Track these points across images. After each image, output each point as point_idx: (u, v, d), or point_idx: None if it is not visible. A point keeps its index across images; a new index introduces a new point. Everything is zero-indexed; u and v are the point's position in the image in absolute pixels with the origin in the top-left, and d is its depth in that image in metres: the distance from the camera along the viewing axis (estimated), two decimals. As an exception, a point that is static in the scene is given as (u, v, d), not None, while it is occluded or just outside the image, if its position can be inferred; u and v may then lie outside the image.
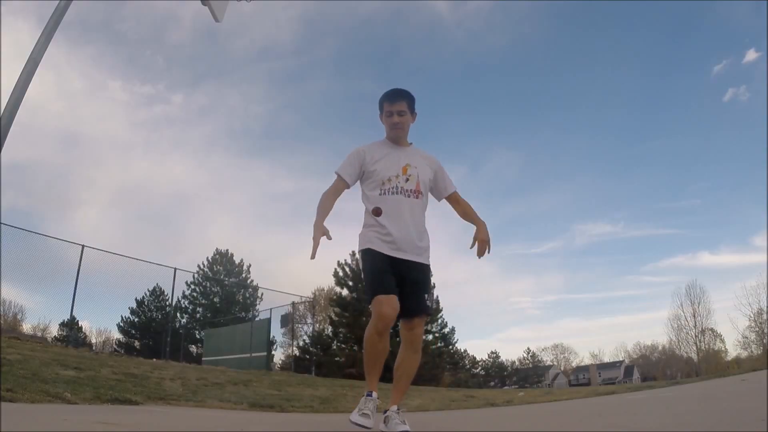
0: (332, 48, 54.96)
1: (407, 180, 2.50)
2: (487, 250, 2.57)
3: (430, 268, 2.57)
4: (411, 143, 2.66)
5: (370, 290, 2.41)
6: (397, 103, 2.55)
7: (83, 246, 11.29)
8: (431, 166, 2.63)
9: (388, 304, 2.31)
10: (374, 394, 2.41)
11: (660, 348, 50.97)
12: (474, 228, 2.61)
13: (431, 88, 54.56)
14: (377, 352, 2.41)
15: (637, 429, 2.36)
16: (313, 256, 2.49)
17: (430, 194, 2.64)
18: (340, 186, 2.59)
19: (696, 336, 38.52)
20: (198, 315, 27.85)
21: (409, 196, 2.49)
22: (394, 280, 2.40)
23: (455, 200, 2.71)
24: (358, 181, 2.63)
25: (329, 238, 2.50)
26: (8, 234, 10.30)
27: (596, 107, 54.90)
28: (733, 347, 37.82)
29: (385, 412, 2.46)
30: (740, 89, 49.67)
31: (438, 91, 55.52)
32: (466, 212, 2.70)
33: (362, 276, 2.58)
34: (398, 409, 2.43)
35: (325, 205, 2.56)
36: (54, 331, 22.75)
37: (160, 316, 27.10)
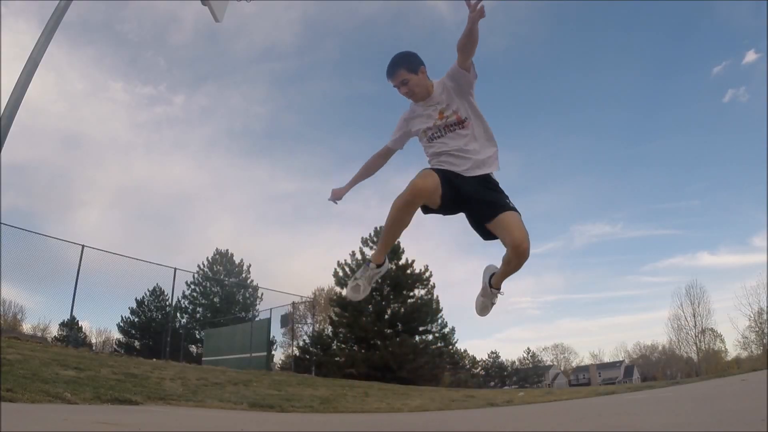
0: (333, 49, 54.95)
1: (446, 119, 2.51)
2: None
3: (492, 177, 2.52)
4: (432, 84, 2.57)
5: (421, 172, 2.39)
6: (395, 75, 2.53)
7: (83, 246, 11.30)
8: (446, 86, 2.53)
9: (429, 177, 2.26)
10: (372, 265, 2.42)
11: (660, 348, 51.01)
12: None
13: (431, 88, 54.49)
14: (402, 224, 2.31)
15: (637, 429, 2.36)
16: (330, 198, 2.80)
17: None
18: (383, 149, 2.74)
19: (696, 336, 38.52)
20: (198, 315, 27.85)
21: (454, 130, 2.50)
22: (453, 186, 2.35)
23: (460, 52, 2.47)
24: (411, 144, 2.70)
25: (335, 200, 2.76)
26: (8, 234, 10.31)
27: (596, 108, 54.92)
28: (733, 347, 37.85)
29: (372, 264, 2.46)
30: (740, 90, 49.65)
31: (438, 91, 55.43)
32: (463, 40, 2.45)
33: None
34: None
35: (366, 164, 2.76)
36: (54, 331, 22.75)
37: (160, 316, 27.09)
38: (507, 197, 2.48)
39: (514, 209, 2.40)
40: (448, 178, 2.37)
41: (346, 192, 2.85)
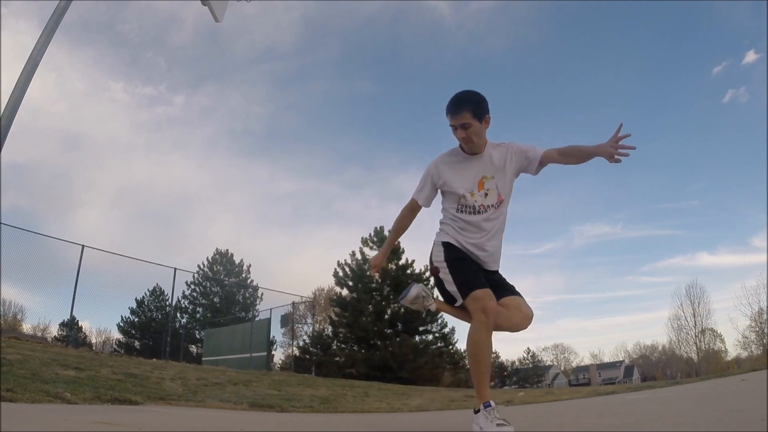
0: (333, 49, 55.00)
1: (486, 195, 2.35)
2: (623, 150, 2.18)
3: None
4: (486, 143, 2.39)
5: (463, 286, 2.26)
6: (458, 116, 2.28)
7: (83, 246, 11.29)
8: (508, 160, 2.37)
9: (491, 298, 2.18)
10: (492, 404, 2.16)
11: (660, 348, 51.06)
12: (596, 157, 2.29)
13: (432, 89, 54.53)
14: (488, 351, 2.22)
15: (637, 429, 2.36)
16: (371, 272, 2.73)
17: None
18: (415, 206, 2.53)
19: (696, 336, 38.55)
20: (198, 315, 27.86)
21: (488, 211, 2.36)
22: (481, 275, 2.28)
23: (554, 155, 2.32)
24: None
25: (378, 273, 2.72)
26: (8, 234, 10.30)
27: (596, 108, 54.84)
28: (733, 347, 37.86)
29: (477, 411, 2.21)
30: (740, 90, 49.68)
31: (439, 92, 55.59)
32: (576, 155, 2.30)
33: (439, 272, 2.39)
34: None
35: (397, 226, 2.60)
36: (54, 331, 22.81)
37: (160, 316, 27.11)
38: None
39: (518, 293, 2.43)
40: (481, 269, 2.37)
41: (384, 258, 2.74)
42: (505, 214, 2.44)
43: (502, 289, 2.39)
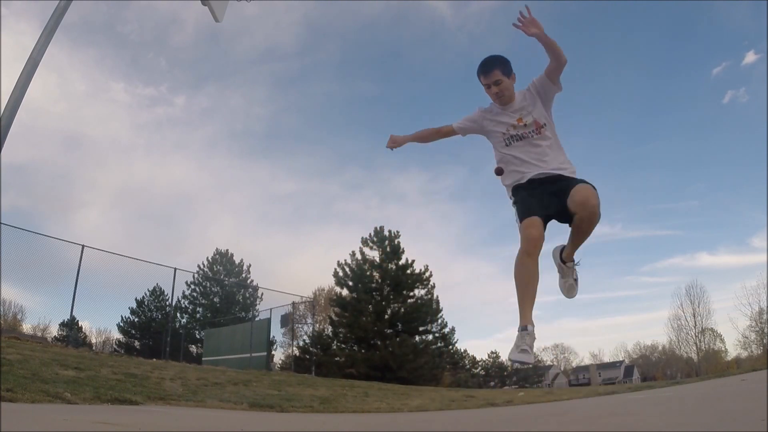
0: (334, 50, 54.97)
1: (525, 125, 2.62)
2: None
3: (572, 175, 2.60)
4: (515, 94, 2.68)
5: (520, 217, 2.49)
6: (491, 74, 2.59)
7: (83, 246, 11.28)
8: (532, 95, 2.66)
9: (532, 225, 2.37)
10: (530, 327, 2.29)
11: (660, 348, 51.06)
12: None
13: (432, 90, 54.62)
14: (529, 274, 2.35)
15: (637, 429, 2.36)
16: (388, 144, 2.89)
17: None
18: (446, 128, 2.84)
19: (696, 336, 38.52)
20: (198, 315, 27.84)
21: (531, 137, 2.60)
22: (537, 201, 2.48)
23: (548, 66, 2.63)
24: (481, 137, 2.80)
25: (392, 146, 2.86)
26: (8, 234, 10.29)
27: (595, 109, 54.82)
28: (733, 347, 37.83)
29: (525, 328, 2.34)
30: (739, 91, 49.63)
31: (439, 93, 55.49)
32: (546, 46, 2.59)
33: (515, 213, 2.60)
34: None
35: (424, 132, 2.90)
36: (54, 331, 22.80)
37: (160, 316, 27.10)
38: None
39: (586, 182, 2.48)
40: (536, 197, 2.49)
41: (404, 143, 2.92)
42: (554, 137, 2.65)
43: (567, 188, 2.45)
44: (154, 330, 25.81)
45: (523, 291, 2.37)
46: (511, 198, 2.68)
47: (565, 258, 2.78)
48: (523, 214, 2.47)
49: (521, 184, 2.59)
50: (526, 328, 2.27)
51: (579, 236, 2.57)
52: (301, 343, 24.96)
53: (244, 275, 30.69)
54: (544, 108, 2.66)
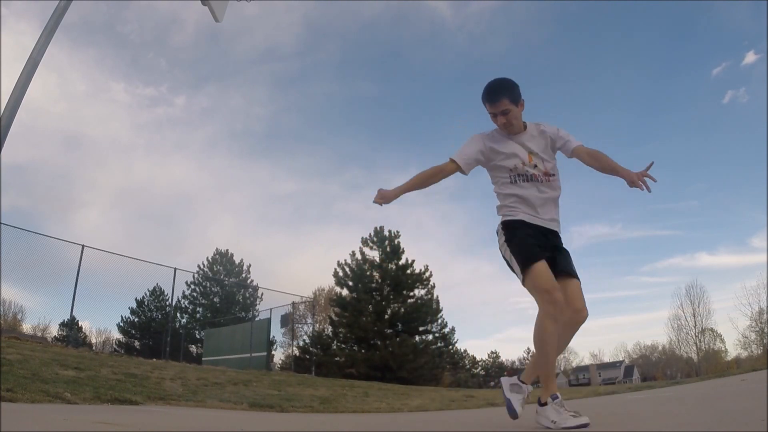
0: (334, 50, 54.98)
1: (535, 167, 2.44)
2: (646, 182, 2.16)
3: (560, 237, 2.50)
4: (525, 124, 2.51)
5: (523, 261, 2.28)
6: (497, 104, 2.40)
7: (83, 246, 11.29)
8: (549, 138, 2.49)
9: (553, 284, 2.19)
10: (559, 396, 2.20)
11: (660, 348, 51.05)
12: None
13: (432, 90, 54.61)
14: (555, 341, 2.22)
15: (637, 429, 2.36)
16: (376, 199, 2.49)
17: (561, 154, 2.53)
18: (449, 167, 2.48)
19: (696, 336, 38.51)
20: (198, 315, 27.85)
21: (539, 181, 2.43)
22: (540, 245, 2.31)
23: (584, 152, 2.41)
24: (483, 171, 2.58)
25: (380, 201, 2.48)
26: (8, 234, 10.29)
27: (595, 109, 54.84)
28: (733, 347, 37.82)
29: (542, 403, 2.26)
30: (739, 91, 49.57)
31: (439, 93, 55.54)
32: (601, 163, 2.34)
33: (505, 253, 2.43)
34: (557, 398, 2.23)
35: (422, 175, 2.50)
36: (54, 331, 22.83)
37: (160, 316, 27.12)
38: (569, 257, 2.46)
39: (578, 278, 2.39)
40: (540, 243, 2.34)
41: (395, 198, 2.49)
42: (558, 189, 2.49)
43: (564, 263, 2.37)
44: (154, 330, 25.83)
45: (552, 360, 2.28)
46: (500, 234, 2.45)
47: (526, 379, 2.45)
48: (528, 258, 2.24)
49: (519, 220, 2.39)
50: (557, 397, 2.19)
51: (561, 341, 2.33)
52: (301, 343, 25.00)
53: (244, 275, 30.71)
54: (553, 157, 2.50)
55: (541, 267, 2.23)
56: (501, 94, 2.40)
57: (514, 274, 2.38)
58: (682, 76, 52.08)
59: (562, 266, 2.36)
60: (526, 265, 2.25)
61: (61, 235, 23.18)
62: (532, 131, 2.50)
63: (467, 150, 2.49)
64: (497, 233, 2.52)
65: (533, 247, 2.30)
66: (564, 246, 2.48)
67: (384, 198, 2.49)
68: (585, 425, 2.07)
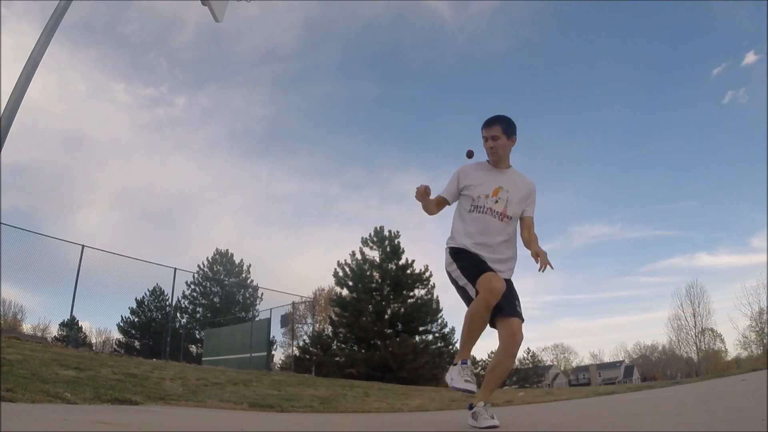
0: (335, 51, 55.00)
1: (496, 202, 2.63)
2: (546, 264, 2.46)
3: (512, 284, 2.65)
4: (510, 166, 2.75)
5: (471, 276, 2.49)
6: (491, 128, 2.65)
7: (83, 246, 11.29)
8: (526, 190, 2.71)
9: (496, 279, 2.39)
10: (468, 362, 2.48)
11: (660, 348, 51.06)
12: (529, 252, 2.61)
13: (432, 91, 54.59)
14: (482, 325, 2.45)
15: (637, 429, 2.36)
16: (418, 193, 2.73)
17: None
18: (441, 200, 2.79)
19: (696, 336, 38.55)
20: (198, 315, 27.84)
21: (495, 217, 2.62)
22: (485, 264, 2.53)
23: (527, 225, 2.70)
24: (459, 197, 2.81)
25: (424, 191, 2.71)
26: (8, 234, 10.29)
27: (595, 110, 54.90)
28: (733, 347, 37.85)
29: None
30: (739, 92, 49.71)
31: (439, 94, 55.56)
32: (530, 239, 2.66)
33: (454, 273, 2.63)
34: (485, 405, 2.50)
35: (428, 206, 2.79)
36: (54, 331, 22.83)
37: (160, 316, 27.11)
38: (516, 293, 2.62)
39: (522, 320, 2.55)
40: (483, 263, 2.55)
41: (429, 193, 2.76)
42: (513, 233, 2.68)
43: (508, 301, 2.53)
44: (154, 330, 25.83)
45: (471, 337, 2.48)
46: (450, 261, 2.62)
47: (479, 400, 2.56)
48: (481, 270, 2.46)
49: (467, 250, 2.59)
50: (466, 362, 2.46)
51: (501, 371, 2.57)
52: (301, 343, 24.98)
53: (244, 275, 30.69)
54: (518, 208, 2.68)
55: (489, 273, 2.45)
56: (497, 122, 2.66)
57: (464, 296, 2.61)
58: (682, 76, 52.18)
59: (509, 302, 2.53)
60: (475, 276, 2.47)
61: (61, 235, 23.15)
62: (515, 176, 2.72)
63: (449, 185, 2.80)
64: (448, 252, 2.72)
65: (481, 263, 2.54)
66: (512, 286, 2.62)
67: (423, 191, 2.73)
68: (469, 392, 2.38)
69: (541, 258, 2.46)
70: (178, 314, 26.81)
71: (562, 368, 58.30)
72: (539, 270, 2.45)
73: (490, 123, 2.67)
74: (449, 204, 2.80)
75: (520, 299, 2.63)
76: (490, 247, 2.59)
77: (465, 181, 2.71)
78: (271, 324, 16.05)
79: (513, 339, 2.51)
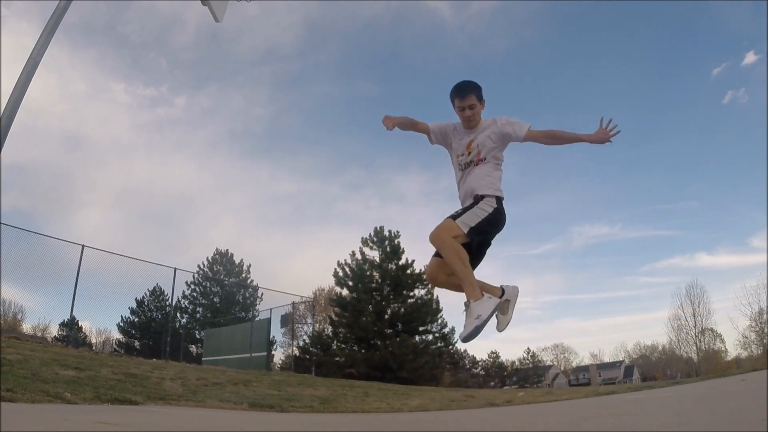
0: (335, 51, 54.94)
1: (470, 153, 2.78)
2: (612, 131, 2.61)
3: (478, 197, 2.69)
4: (481, 120, 2.82)
5: (479, 232, 2.63)
6: (467, 98, 2.73)
7: (83, 246, 11.29)
8: (492, 130, 2.77)
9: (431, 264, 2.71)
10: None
11: (660, 348, 51.05)
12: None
13: (433, 91, 54.52)
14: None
15: (637, 429, 2.36)
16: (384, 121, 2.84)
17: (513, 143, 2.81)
18: (422, 126, 2.92)
19: (696, 336, 38.51)
20: (198, 315, 27.84)
21: (469, 167, 2.77)
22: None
23: (538, 136, 2.75)
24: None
25: (389, 124, 2.81)
26: (8, 234, 10.29)
27: (595, 109, 54.73)
28: (733, 347, 37.82)
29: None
30: (739, 92, 49.65)
31: (440, 94, 55.45)
32: (561, 140, 2.75)
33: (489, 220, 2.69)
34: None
35: (405, 118, 2.91)
36: (54, 331, 22.81)
37: (160, 316, 27.10)
38: (468, 209, 2.64)
39: (451, 217, 2.62)
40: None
41: (399, 121, 2.88)
42: (487, 167, 2.76)
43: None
44: (154, 330, 25.83)
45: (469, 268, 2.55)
46: (493, 205, 2.68)
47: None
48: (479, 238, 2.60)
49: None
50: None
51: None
52: (301, 343, 24.98)
53: (244, 275, 30.69)
54: (496, 148, 2.76)
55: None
56: (471, 90, 2.75)
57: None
58: (682, 76, 52.13)
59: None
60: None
61: (61, 235, 23.13)
62: (483, 125, 2.81)
63: (440, 124, 2.92)
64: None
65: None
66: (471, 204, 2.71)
67: (392, 121, 2.84)
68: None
69: (606, 135, 2.59)
70: (178, 314, 26.81)
71: (562, 368, 58.30)
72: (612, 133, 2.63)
73: (463, 93, 2.74)
74: (429, 140, 2.93)
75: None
76: (460, 195, 2.82)
77: (454, 137, 2.85)
78: (271, 324, 16.06)
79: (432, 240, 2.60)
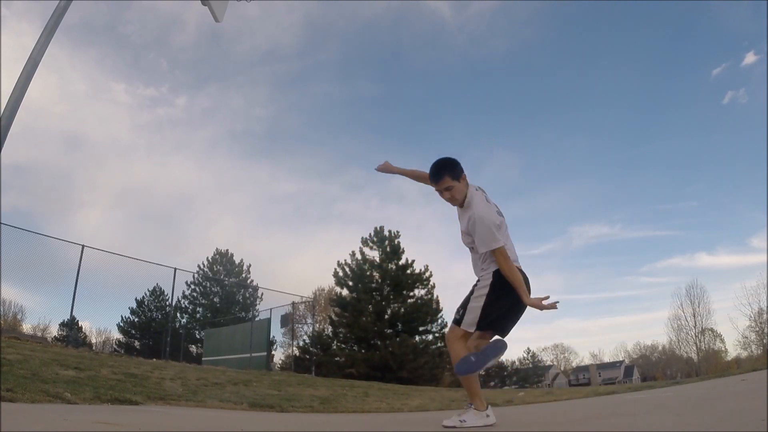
0: (335, 51, 54.96)
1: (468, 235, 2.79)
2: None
3: (476, 286, 2.74)
4: (465, 199, 2.78)
5: (485, 319, 2.75)
6: (441, 182, 2.68)
7: (83, 246, 11.29)
8: (469, 222, 2.71)
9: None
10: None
11: (660, 348, 51.07)
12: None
13: (433, 91, 54.61)
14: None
15: (637, 429, 2.36)
16: (379, 166, 3.02)
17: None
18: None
19: (696, 336, 38.53)
20: (198, 315, 27.84)
21: (470, 249, 2.84)
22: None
23: (497, 260, 2.65)
24: None
25: (381, 170, 2.97)
26: (8, 234, 10.29)
27: (595, 109, 54.84)
28: (733, 347, 37.84)
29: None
30: (739, 92, 49.69)
31: (440, 94, 55.57)
32: (510, 277, 2.65)
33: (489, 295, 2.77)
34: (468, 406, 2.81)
35: (417, 171, 3.03)
36: (54, 331, 22.82)
37: (160, 316, 27.11)
38: (467, 303, 2.70)
39: (455, 322, 2.74)
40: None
41: (394, 172, 3.04)
42: (480, 255, 2.75)
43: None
44: (154, 330, 25.83)
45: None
46: (488, 281, 2.68)
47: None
48: (487, 322, 2.67)
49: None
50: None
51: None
52: (301, 343, 24.98)
53: (244, 275, 30.69)
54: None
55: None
56: (442, 172, 2.67)
57: None
58: (682, 77, 52.14)
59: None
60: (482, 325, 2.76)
61: (61, 235, 23.09)
62: (467, 200, 2.73)
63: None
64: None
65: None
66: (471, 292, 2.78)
67: (385, 169, 2.98)
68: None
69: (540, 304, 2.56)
70: (178, 314, 26.81)
71: (562, 368, 58.29)
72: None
73: (436, 177, 2.67)
74: None
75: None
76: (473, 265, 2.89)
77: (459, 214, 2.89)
78: (271, 324, 16.06)
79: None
